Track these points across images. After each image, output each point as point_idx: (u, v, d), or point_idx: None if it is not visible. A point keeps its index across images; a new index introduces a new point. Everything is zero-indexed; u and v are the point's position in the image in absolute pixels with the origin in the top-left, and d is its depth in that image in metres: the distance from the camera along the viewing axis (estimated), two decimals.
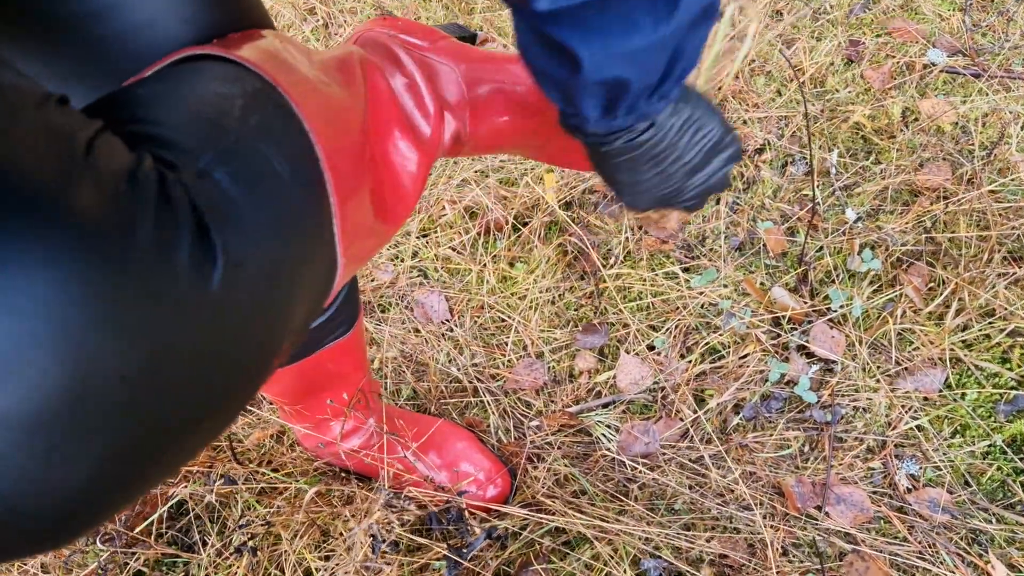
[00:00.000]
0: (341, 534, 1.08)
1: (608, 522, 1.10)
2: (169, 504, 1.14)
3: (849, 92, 1.53)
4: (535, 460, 1.21)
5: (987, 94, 1.43)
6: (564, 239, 1.39)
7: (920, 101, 1.48)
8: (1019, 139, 1.38)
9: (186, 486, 1.13)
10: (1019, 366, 1.19)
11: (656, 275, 1.35)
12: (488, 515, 1.14)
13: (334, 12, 1.85)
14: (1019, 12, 1.62)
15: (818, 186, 1.35)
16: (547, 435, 1.23)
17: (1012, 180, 1.32)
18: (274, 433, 1.24)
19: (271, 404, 1.32)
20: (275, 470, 1.18)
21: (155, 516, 1.13)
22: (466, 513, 1.10)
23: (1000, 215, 1.29)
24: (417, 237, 1.47)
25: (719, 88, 0.72)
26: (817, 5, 1.68)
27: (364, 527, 0.94)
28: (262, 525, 1.09)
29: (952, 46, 1.56)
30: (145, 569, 1.15)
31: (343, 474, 1.19)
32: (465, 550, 1.06)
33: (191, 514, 1.16)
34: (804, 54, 1.59)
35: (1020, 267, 1.24)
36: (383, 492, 1.00)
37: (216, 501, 1.12)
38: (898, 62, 1.55)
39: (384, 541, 1.03)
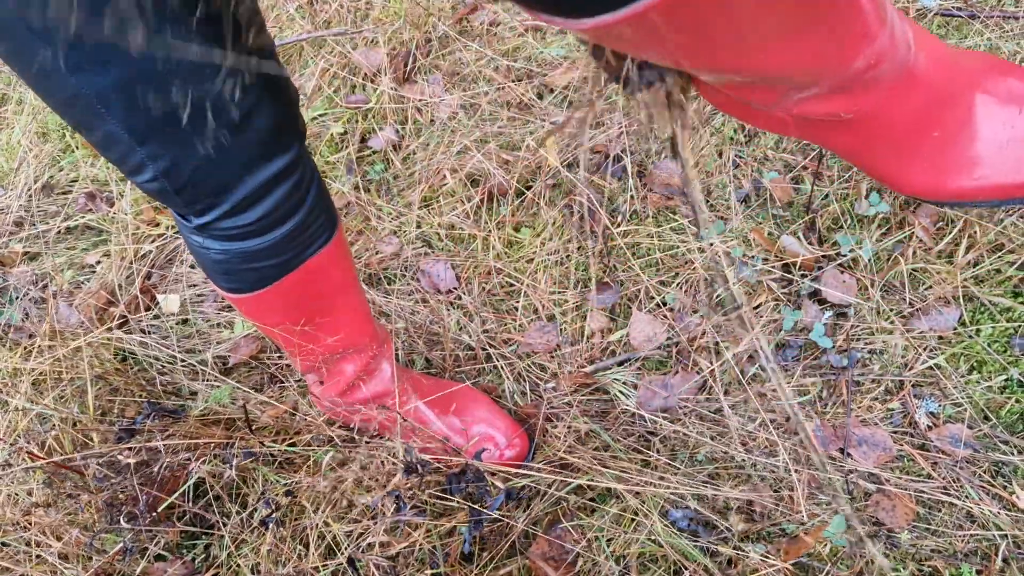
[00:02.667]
0: (365, 503, 1.07)
1: (632, 475, 1.09)
2: (188, 483, 1.13)
3: None
4: (553, 420, 1.20)
5: (983, 34, 1.43)
6: (569, 200, 1.38)
7: None
8: None
9: (204, 461, 1.12)
10: None
11: (663, 230, 1.34)
12: (510, 475, 1.13)
13: None
14: None
15: None
16: (564, 395, 1.22)
17: None
18: (289, 408, 1.23)
19: (282, 382, 1.31)
20: (292, 444, 1.17)
21: (174, 496, 1.11)
22: (486, 474, 1.09)
23: None
24: (419, 208, 1.46)
25: None
26: None
27: (386, 492, 0.93)
28: (285, 496, 1.08)
29: None
30: (166, 553, 1.14)
31: (361, 437, 1.18)
32: (487, 509, 1.05)
33: (210, 494, 1.15)
34: None
35: None
36: (402, 447, 0.98)
37: (236, 476, 1.10)
38: None
39: (407, 505, 1.02)
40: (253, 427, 1.16)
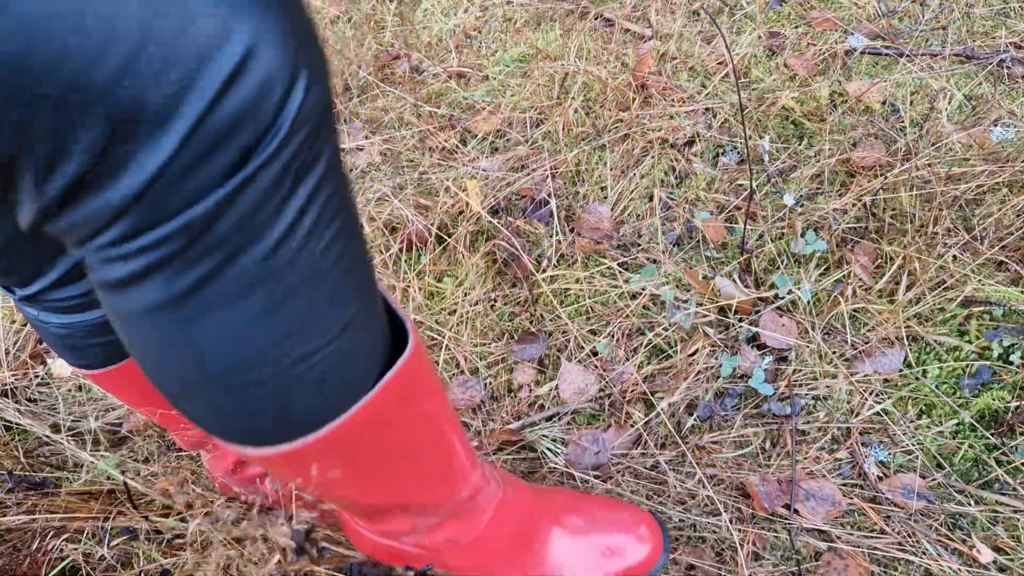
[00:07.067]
0: None
1: None
2: (58, 569, 0.99)
3: (774, 80, 1.49)
4: None
5: (912, 72, 1.40)
6: (493, 246, 1.30)
7: (847, 83, 1.44)
8: (948, 111, 1.35)
9: (76, 548, 0.99)
10: (978, 337, 1.13)
11: (593, 275, 1.26)
12: None
13: None
14: None
15: (752, 173, 1.29)
16: (487, 454, 1.12)
17: (948, 152, 1.28)
18: (179, 481, 1.10)
19: (180, 450, 1.18)
20: (183, 520, 1.04)
21: None
22: None
23: (941, 181, 1.24)
24: None
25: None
26: (733, 2, 1.66)
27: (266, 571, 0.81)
28: None
29: (871, 31, 1.54)
30: None
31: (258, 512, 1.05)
32: None
33: None
34: (726, 48, 1.55)
35: (967, 234, 1.19)
36: (293, 531, 0.86)
37: (111, 557, 0.97)
38: (820, 49, 1.52)
39: None
40: (136, 501, 1.03)
